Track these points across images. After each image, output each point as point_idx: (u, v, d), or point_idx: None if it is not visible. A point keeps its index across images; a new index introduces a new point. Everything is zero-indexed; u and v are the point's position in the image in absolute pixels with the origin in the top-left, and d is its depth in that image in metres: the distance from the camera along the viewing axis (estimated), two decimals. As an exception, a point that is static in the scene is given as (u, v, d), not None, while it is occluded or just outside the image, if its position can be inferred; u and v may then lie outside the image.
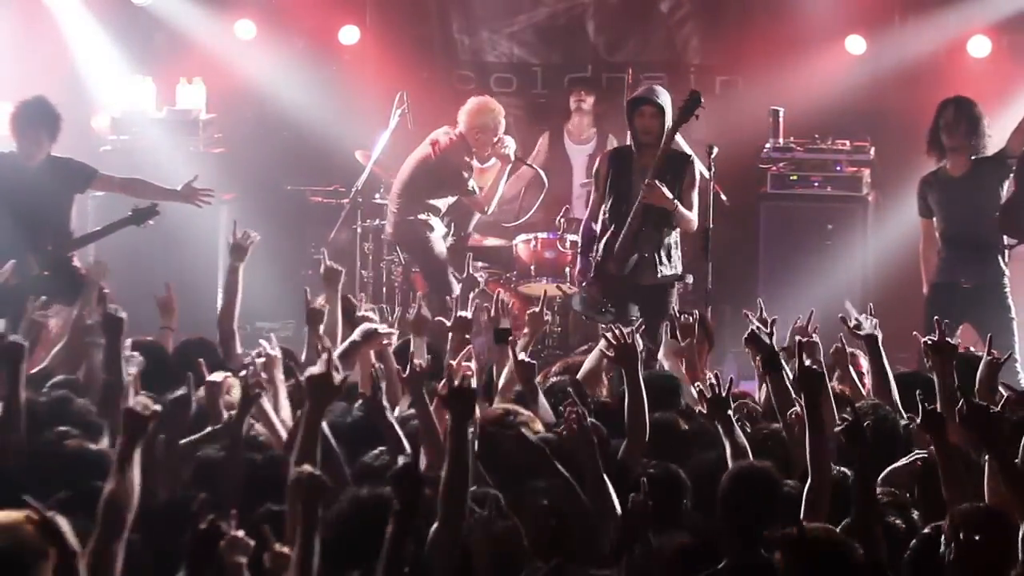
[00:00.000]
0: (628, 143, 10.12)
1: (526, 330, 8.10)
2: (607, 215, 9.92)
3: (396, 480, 4.84)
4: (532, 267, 11.86)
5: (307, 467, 4.86)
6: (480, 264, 12.03)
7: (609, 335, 6.81)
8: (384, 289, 12.02)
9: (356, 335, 7.26)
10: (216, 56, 12.99)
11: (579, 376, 7.83)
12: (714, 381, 6.32)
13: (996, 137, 9.98)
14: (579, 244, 10.31)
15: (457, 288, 11.42)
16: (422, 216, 11.47)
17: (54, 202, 9.93)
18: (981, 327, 9.58)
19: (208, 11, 13.06)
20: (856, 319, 7.43)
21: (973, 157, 9.88)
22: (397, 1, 13.69)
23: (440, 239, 11.57)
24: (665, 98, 9.85)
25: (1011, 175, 9.78)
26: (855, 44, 12.72)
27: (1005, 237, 9.86)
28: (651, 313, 9.45)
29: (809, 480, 5.65)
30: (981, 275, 9.86)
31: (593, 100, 12.73)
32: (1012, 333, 9.71)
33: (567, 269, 11.76)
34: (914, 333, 7.59)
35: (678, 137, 9.77)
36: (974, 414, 5.68)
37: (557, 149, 12.70)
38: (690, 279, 10.15)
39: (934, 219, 10.01)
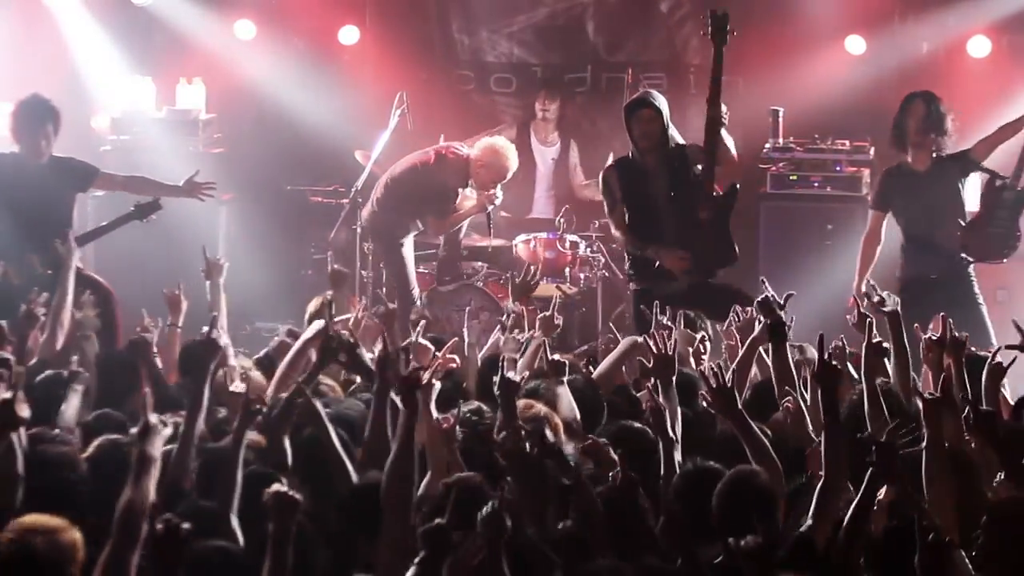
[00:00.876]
0: (629, 152, 9.86)
1: (536, 333, 8.07)
2: (633, 223, 9.69)
3: (486, 525, 4.97)
4: (532, 267, 11.84)
5: (276, 485, 4.97)
6: (480, 264, 12.04)
7: (651, 343, 6.77)
8: (384, 289, 12.01)
9: (308, 332, 7.28)
10: (216, 56, 12.99)
11: (595, 375, 7.86)
12: (715, 370, 6.29)
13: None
14: (626, 268, 9.95)
15: (418, 291, 11.40)
16: (395, 216, 11.43)
17: (56, 201, 9.95)
18: (954, 318, 9.67)
19: (208, 11, 13.06)
20: (880, 295, 7.49)
21: (935, 153, 10.02)
22: (397, 1, 13.69)
23: (410, 242, 11.53)
24: (662, 100, 9.73)
25: (970, 175, 9.95)
26: (855, 44, 12.72)
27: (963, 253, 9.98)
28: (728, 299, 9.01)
29: (822, 479, 5.62)
30: (946, 267, 9.97)
31: (556, 106, 12.79)
32: (985, 323, 9.84)
33: (567, 269, 11.77)
34: (915, 325, 7.63)
35: (673, 132, 9.73)
36: (981, 421, 5.68)
37: (523, 146, 12.68)
38: None
39: (889, 213, 10.13)
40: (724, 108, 9.47)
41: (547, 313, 8.20)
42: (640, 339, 7.79)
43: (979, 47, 12.46)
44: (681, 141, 9.73)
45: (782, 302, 7.42)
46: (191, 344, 7.25)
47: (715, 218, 9.58)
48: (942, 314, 7.17)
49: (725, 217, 9.61)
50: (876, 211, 10.22)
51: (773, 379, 7.01)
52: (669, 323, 8.05)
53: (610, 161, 10.10)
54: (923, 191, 9.99)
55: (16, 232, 9.68)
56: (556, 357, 7.25)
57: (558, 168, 12.78)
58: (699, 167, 9.61)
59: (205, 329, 6.57)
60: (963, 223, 9.95)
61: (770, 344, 7.01)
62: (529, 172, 12.68)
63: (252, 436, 6.12)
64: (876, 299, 7.52)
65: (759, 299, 7.40)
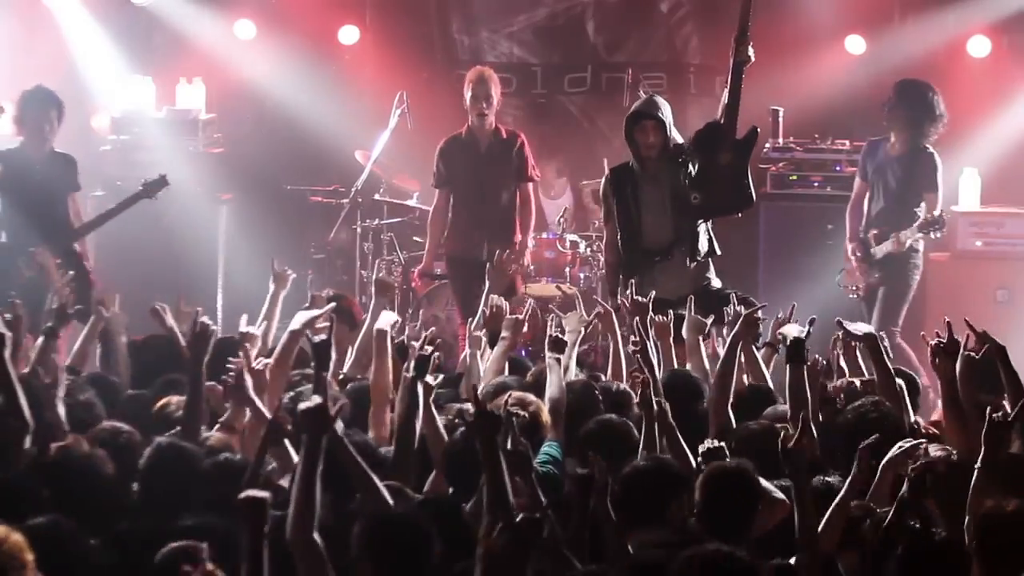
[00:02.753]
0: (627, 161, 9.73)
1: (504, 335, 8.09)
2: (623, 238, 9.62)
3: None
4: (532, 267, 11.86)
5: (251, 491, 4.78)
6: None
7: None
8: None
9: (294, 323, 7.19)
10: (216, 56, 12.98)
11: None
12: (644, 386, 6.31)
13: (994, 135, 10.09)
14: (610, 284, 9.81)
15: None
16: None
17: (59, 192, 10.04)
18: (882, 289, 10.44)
19: (208, 11, 13.05)
20: (847, 329, 7.36)
21: (920, 141, 10.61)
22: (397, 1, 13.69)
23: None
24: (666, 110, 9.61)
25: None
26: (855, 44, 12.72)
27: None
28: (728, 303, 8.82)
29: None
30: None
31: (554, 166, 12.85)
32: (904, 304, 10.63)
33: (567, 269, 11.77)
34: (922, 334, 7.56)
35: (674, 134, 9.71)
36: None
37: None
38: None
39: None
40: (751, 51, 9.46)
41: (519, 317, 8.20)
42: (582, 316, 8.05)
43: (979, 47, 12.46)
44: (680, 140, 9.70)
45: (808, 328, 7.20)
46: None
47: (734, 161, 9.53)
48: (947, 319, 7.05)
49: (744, 160, 9.56)
50: (863, 181, 10.95)
51: (788, 402, 6.78)
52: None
53: (607, 170, 9.99)
54: (892, 174, 10.63)
55: (27, 224, 9.72)
56: (557, 335, 7.27)
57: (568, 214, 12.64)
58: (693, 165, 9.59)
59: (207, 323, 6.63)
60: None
61: (787, 365, 6.78)
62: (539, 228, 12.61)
63: None
64: (844, 332, 7.32)
65: (794, 337, 6.96)
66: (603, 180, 9.93)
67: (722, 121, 9.49)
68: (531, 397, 6.73)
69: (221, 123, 12.94)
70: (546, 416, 6.64)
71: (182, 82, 12.81)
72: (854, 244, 10.86)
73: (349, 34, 13.43)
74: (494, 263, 9.23)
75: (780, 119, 12.14)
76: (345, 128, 12.72)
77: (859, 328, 7.30)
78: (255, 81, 13.14)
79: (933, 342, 6.83)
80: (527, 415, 6.39)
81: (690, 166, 9.51)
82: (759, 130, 9.67)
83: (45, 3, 12.92)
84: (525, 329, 8.42)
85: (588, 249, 11.89)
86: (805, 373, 6.68)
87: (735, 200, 9.63)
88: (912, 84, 10.83)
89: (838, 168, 12.04)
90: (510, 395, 6.56)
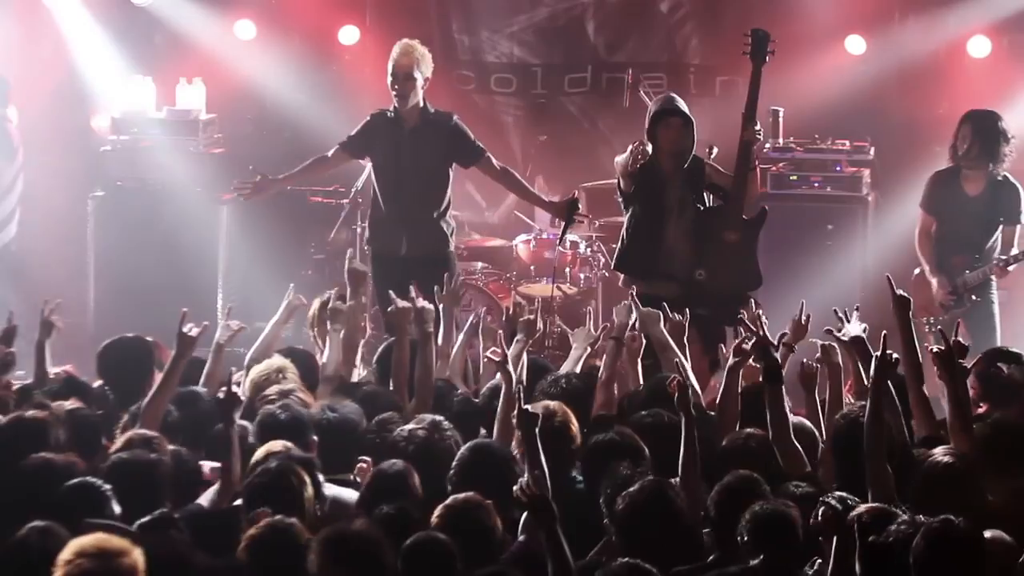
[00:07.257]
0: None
1: (519, 336, 8.07)
2: (631, 229, 9.53)
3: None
4: (532, 267, 11.87)
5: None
6: (480, 264, 12.04)
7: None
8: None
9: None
10: (216, 56, 12.98)
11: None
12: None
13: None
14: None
15: None
16: None
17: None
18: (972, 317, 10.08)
19: (208, 11, 13.06)
20: (841, 320, 7.30)
21: (995, 173, 10.18)
22: (397, 1, 13.68)
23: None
24: (686, 109, 9.50)
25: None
26: (855, 44, 12.72)
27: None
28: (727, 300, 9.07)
29: None
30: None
31: None
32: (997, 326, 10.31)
33: (567, 269, 11.77)
34: (925, 345, 7.53)
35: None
36: None
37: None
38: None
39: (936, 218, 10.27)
40: (759, 127, 9.46)
41: (529, 316, 8.20)
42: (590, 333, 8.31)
43: (979, 47, 12.46)
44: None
45: (776, 343, 7.11)
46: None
47: (742, 241, 9.48)
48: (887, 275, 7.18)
49: (752, 241, 9.50)
50: (927, 213, 10.42)
51: (769, 420, 6.71)
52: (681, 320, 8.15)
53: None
54: (971, 214, 10.22)
55: None
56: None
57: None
58: (712, 183, 9.54)
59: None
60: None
61: (766, 389, 6.71)
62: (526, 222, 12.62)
63: None
64: (839, 328, 7.17)
65: (754, 341, 6.92)
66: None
67: (729, 197, 9.41)
68: (561, 407, 6.78)
69: (221, 123, 12.92)
70: (575, 427, 6.67)
71: (182, 82, 12.79)
72: (939, 278, 10.33)
73: (349, 34, 13.44)
74: (443, 293, 8.63)
75: (780, 119, 12.13)
76: (345, 128, 12.65)
77: (850, 331, 7.21)
78: (255, 81, 13.14)
79: (933, 349, 6.77)
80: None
81: (706, 197, 9.49)
82: (767, 209, 9.61)
83: (45, 3, 12.91)
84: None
85: (588, 249, 11.91)
86: (783, 392, 6.66)
87: (741, 281, 9.47)
88: (984, 117, 10.33)
89: (838, 168, 12.03)
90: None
